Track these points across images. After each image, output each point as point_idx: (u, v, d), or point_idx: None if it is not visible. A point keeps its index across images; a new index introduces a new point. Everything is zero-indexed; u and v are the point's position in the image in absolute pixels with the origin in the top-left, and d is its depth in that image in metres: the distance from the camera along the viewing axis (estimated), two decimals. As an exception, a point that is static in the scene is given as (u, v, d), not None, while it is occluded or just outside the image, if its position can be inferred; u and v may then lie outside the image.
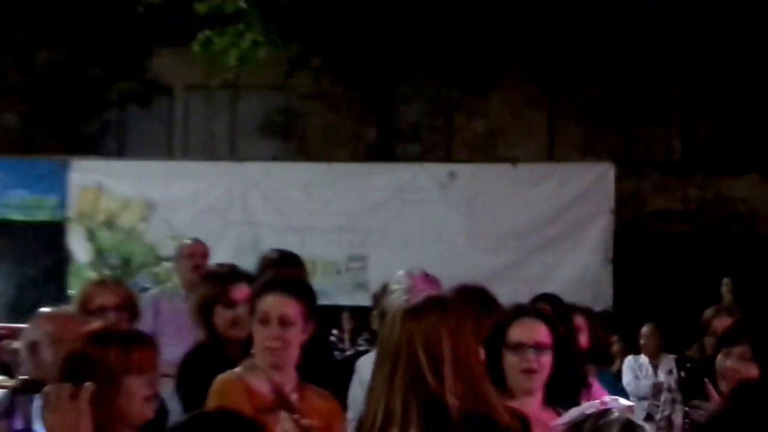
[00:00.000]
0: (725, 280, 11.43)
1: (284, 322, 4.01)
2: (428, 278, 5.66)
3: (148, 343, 3.56)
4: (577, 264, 12.19)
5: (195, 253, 7.69)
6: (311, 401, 4.06)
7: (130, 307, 5.05)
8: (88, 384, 2.93)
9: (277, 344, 4.01)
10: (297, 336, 4.07)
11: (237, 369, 4.17)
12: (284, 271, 5.38)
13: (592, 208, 12.42)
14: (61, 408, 2.96)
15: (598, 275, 12.09)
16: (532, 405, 3.83)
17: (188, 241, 8.07)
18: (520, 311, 4.19)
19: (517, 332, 4.00)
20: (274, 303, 4.06)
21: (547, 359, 3.96)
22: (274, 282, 4.34)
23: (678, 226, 14.68)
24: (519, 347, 3.96)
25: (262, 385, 3.99)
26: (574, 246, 12.35)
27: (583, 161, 13.80)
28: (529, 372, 3.92)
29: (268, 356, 4.03)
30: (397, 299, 4.63)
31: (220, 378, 4.08)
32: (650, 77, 15.82)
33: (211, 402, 3.91)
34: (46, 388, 3.08)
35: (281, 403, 3.94)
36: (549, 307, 4.61)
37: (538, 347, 3.96)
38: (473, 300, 4.92)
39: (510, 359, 3.95)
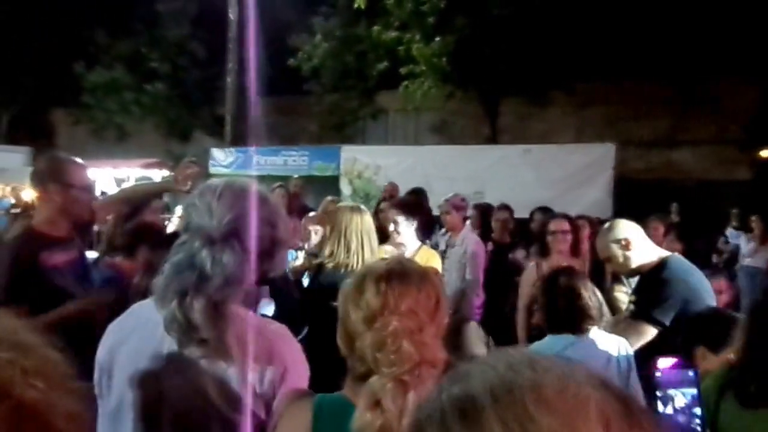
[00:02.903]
0: (673, 205, 10.95)
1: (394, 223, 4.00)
2: (462, 200, 5.57)
3: None
4: (594, 195, 11.29)
5: (387, 190, 8.06)
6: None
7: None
8: None
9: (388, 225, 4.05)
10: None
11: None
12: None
13: (602, 167, 11.64)
14: None
15: (605, 201, 11.29)
16: (564, 259, 3.97)
17: (386, 184, 8.51)
18: (555, 216, 4.50)
19: (553, 225, 4.23)
20: (390, 213, 4.19)
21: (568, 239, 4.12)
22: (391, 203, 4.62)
23: (646, 176, 14.14)
24: (555, 233, 4.14)
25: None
26: (592, 186, 11.50)
27: (598, 143, 12.69)
28: (559, 243, 4.08)
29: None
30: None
31: None
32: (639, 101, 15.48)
33: None
34: None
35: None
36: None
37: (564, 232, 4.13)
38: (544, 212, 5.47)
39: (549, 239, 4.15)
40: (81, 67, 18.60)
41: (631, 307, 3.01)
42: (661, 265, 2.92)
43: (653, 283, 2.86)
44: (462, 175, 12.12)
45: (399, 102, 16.06)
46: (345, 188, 13.57)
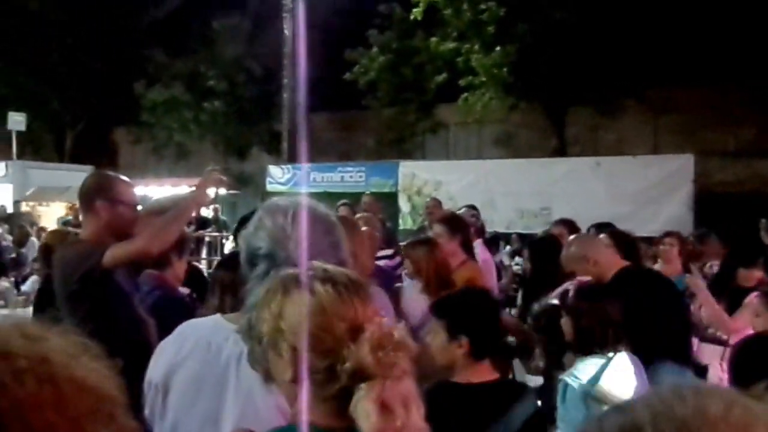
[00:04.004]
0: (762, 221, 9.71)
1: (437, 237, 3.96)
2: (472, 215, 5.68)
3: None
4: (672, 210, 10.80)
5: (428, 206, 7.54)
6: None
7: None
8: None
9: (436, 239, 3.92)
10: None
11: None
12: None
13: (681, 179, 11.10)
14: None
15: (685, 216, 10.75)
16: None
17: (428, 200, 8.12)
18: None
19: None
20: (435, 228, 4.17)
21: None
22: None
23: (731, 189, 13.27)
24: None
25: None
26: (670, 201, 11.01)
27: (676, 154, 12.20)
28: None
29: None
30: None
31: None
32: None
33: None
34: None
35: None
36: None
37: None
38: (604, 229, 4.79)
39: None
40: (141, 86, 19.23)
41: None
42: (614, 280, 3.17)
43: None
44: (528, 190, 11.84)
45: (459, 115, 15.90)
46: (404, 205, 13.42)
